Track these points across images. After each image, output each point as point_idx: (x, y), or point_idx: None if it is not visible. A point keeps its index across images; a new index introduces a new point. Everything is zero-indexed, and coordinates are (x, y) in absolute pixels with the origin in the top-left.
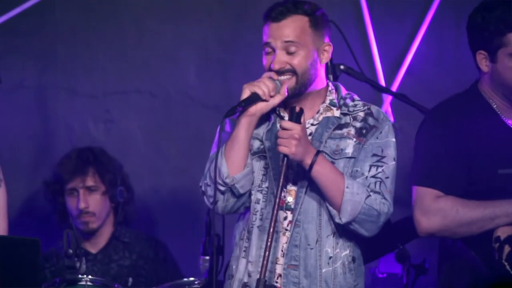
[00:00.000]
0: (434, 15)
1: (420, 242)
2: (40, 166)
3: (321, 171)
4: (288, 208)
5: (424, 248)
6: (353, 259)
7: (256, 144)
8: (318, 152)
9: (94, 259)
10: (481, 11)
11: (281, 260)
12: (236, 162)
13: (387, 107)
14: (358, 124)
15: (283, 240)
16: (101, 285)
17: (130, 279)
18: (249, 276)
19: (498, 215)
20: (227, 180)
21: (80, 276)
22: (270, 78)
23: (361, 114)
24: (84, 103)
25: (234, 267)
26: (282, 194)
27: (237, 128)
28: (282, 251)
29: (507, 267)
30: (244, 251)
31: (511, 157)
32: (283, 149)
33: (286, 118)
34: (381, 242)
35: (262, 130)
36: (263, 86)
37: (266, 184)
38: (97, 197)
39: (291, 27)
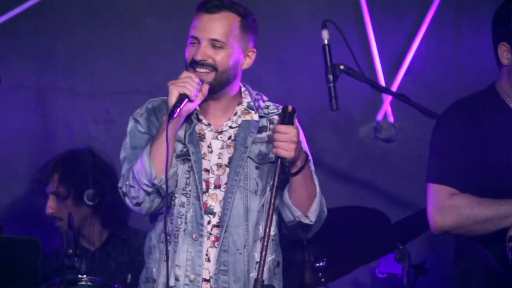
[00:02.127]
0: (434, 15)
1: (420, 242)
2: (40, 166)
3: (305, 174)
4: (210, 212)
5: (424, 248)
6: (278, 264)
7: (179, 147)
8: (307, 155)
9: (92, 257)
10: (507, 4)
11: (206, 265)
12: (162, 163)
13: (387, 107)
14: None
15: (207, 244)
16: (101, 285)
17: (129, 276)
18: (177, 280)
19: None
20: (155, 181)
21: (80, 276)
22: (192, 77)
23: (276, 117)
24: (84, 103)
25: (154, 270)
26: (204, 198)
27: (164, 129)
28: (206, 255)
29: None
30: (166, 254)
31: None
32: (282, 152)
33: (204, 120)
34: (381, 242)
35: (182, 133)
36: (190, 87)
37: (190, 188)
38: (64, 202)
39: (222, 23)
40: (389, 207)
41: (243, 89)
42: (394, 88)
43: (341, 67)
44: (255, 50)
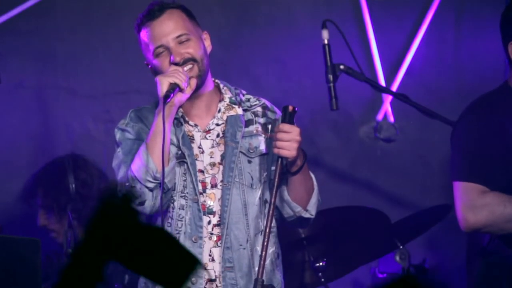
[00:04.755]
0: (434, 15)
1: (420, 242)
2: (40, 166)
3: (304, 171)
4: (210, 212)
5: (424, 248)
6: (278, 256)
7: (174, 150)
8: (305, 153)
9: None
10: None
11: (210, 265)
12: (161, 156)
13: (387, 107)
14: (261, 120)
15: (210, 244)
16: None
17: (127, 276)
18: None
19: None
20: (157, 175)
21: None
22: (179, 70)
23: (259, 109)
24: (84, 103)
25: None
26: (203, 199)
27: (160, 121)
28: (210, 255)
29: None
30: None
31: None
32: (285, 152)
33: (191, 122)
34: (381, 242)
35: (174, 136)
36: (179, 77)
37: (187, 190)
38: (52, 215)
39: (173, 20)
40: (389, 207)
41: (221, 85)
42: (394, 88)
43: (341, 67)
44: (207, 32)
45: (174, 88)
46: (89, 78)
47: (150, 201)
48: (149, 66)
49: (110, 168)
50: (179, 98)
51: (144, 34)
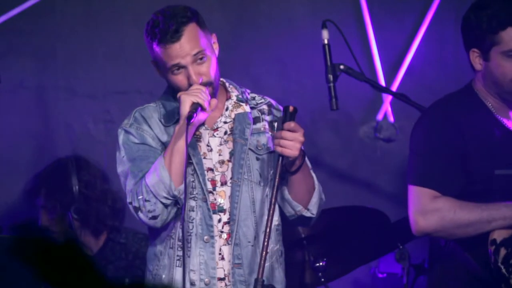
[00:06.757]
0: (434, 15)
1: (420, 242)
2: (40, 166)
3: (304, 170)
4: (220, 210)
5: (424, 248)
6: (282, 253)
7: None
8: (304, 152)
9: None
10: (474, 10)
11: (220, 264)
12: (179, 174)
13: (387, 107)
14: (268, 118)
15: (220, 242)
16: None
17: (127, 280)
18: (192, 284)
19: (495, 218)
20: (175, 193)
21: None
22: (203, 89)
23: (265, 107)
24: (84, 103)
25: (164, 276)
26: (212, 197)
27: (179, 139)
28: (220, 254)
29: (503, 270)
30: (178, 260)
31: (507, 157)
32: (287, 152)
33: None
34: (381, 242)
35: None
36: (201, 96)
37: (196, 191)
38: (54, 215)
39: (191, 38)
40: (389, 207)
41: (227, 83)
42: (394, 88)
43: (341, 67)
44: (214, 34)
45: (197, 108)
46: (89, 78)
47: (163, 216)
48: (155, 65)
49: (109, 168)
50: (199, 117)
51: (158, 49)
